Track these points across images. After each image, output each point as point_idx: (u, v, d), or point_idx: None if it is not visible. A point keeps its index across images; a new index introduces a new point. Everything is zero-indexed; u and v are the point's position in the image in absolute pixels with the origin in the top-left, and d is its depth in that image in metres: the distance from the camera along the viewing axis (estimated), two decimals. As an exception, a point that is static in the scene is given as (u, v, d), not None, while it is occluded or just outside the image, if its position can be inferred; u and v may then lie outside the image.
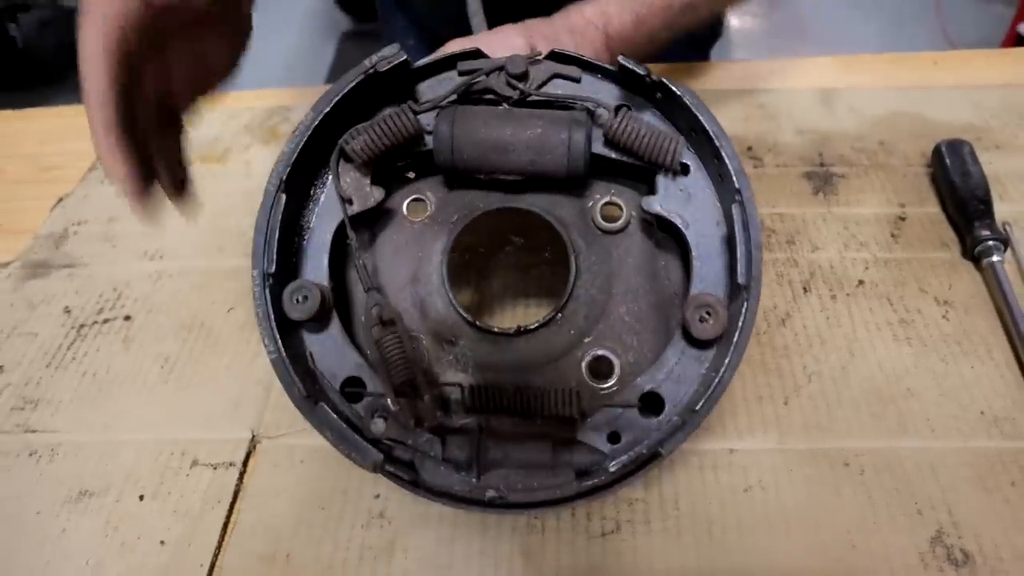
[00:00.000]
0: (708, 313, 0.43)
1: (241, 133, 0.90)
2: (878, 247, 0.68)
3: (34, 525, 0.54)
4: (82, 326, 0.67)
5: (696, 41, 1.06)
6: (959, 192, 0.68)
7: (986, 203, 0.66)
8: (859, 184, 0.74)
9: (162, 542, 0.52)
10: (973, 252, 0.65)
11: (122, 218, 0.79)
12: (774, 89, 0.88)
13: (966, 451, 0.53)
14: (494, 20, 0.58)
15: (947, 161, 0.71)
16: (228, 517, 0.53)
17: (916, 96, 0.85)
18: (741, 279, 0.43)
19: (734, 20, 3.08)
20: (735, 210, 0.44)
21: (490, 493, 0.47)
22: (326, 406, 0.44)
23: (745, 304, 0.43)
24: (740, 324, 0.42)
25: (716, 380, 0.42)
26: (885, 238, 0.69)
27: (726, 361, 0.42)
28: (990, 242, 0.63)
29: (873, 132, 0.80)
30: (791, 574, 0.47)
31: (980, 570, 0.47)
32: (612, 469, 0.42)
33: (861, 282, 0.65)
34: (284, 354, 0.44)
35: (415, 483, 0.45)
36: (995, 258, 0.63)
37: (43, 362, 0.65)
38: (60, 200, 0.82)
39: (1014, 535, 0.48)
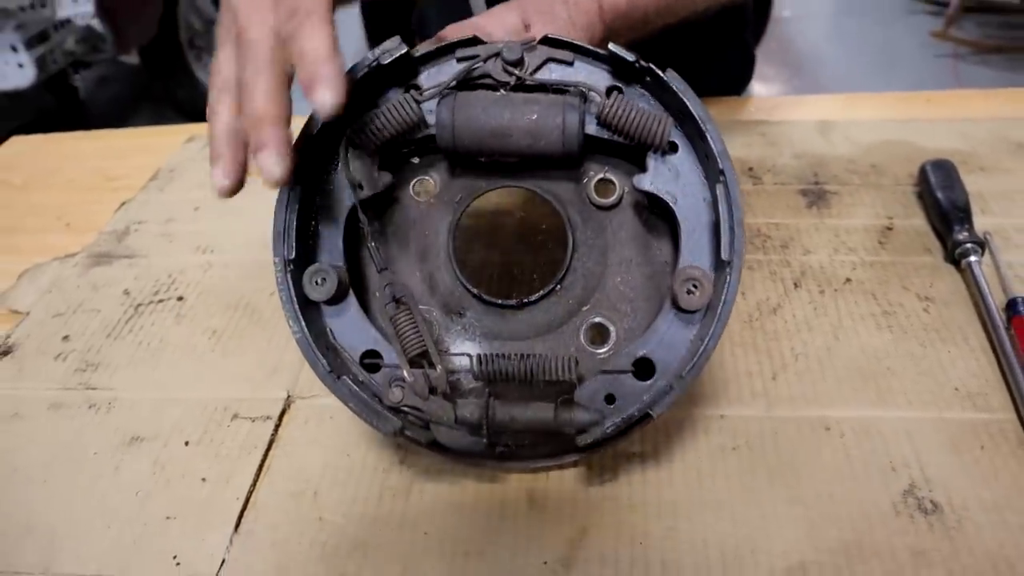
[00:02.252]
0: (695, 286, 0.47)
1: (287, 152, 0.99)
2: (865, 252, 0.73)
3: (91, 463, 0.60)
4: (139, 305, 0.75)
5: (731, 81, 1.14)
6: (941, 203, 0.74)
7: (966, 212, 0.72)
8: (850, 200, 0.80)
9: (203, 479, 0.58)
10: (954, 255, 0.70)
11: (178, 219, 0.88)
12: (777, 121, 0.95)
13: (940, 420, 0.57)
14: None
15: (931, 177, 0.77)
16: (263, 461, 0.59)
17: (908, 127, 0.92)
18: (724, 255, 0.47)
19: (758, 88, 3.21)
20: (719, 190, 0.48)
21: (500, 449, 0.53)
22: (348, 379, 0.49)
23: (728, 277, 0.47)
24: (724, 296, 0.47)
25: (701, 348, 0.47)
26: (873, 244, 0.74)
27: (711, 331, 0.47)
28: (968, 244, 0.69)
29: (865, 156, 0.87)
30: (772, 516, 0.52)
31: (948, 518, 0.51)
32: (608, 429, 0.47)
33: (848, 280, 0.70)
34: (307, 333, 0.49)
35: (431, 445, 0.50)
36: (973, 258, 0.68)
37: (104, 333, 0.72)
38: (123, 204, 0.91)
39: (980, 490, 0.52)
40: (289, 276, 0.49)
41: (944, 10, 3.90)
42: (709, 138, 0.48)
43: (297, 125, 0.52)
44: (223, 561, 0.52)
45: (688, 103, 0.49)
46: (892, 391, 0.60)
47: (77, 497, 0.57)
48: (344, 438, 0.60)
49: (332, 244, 0.52)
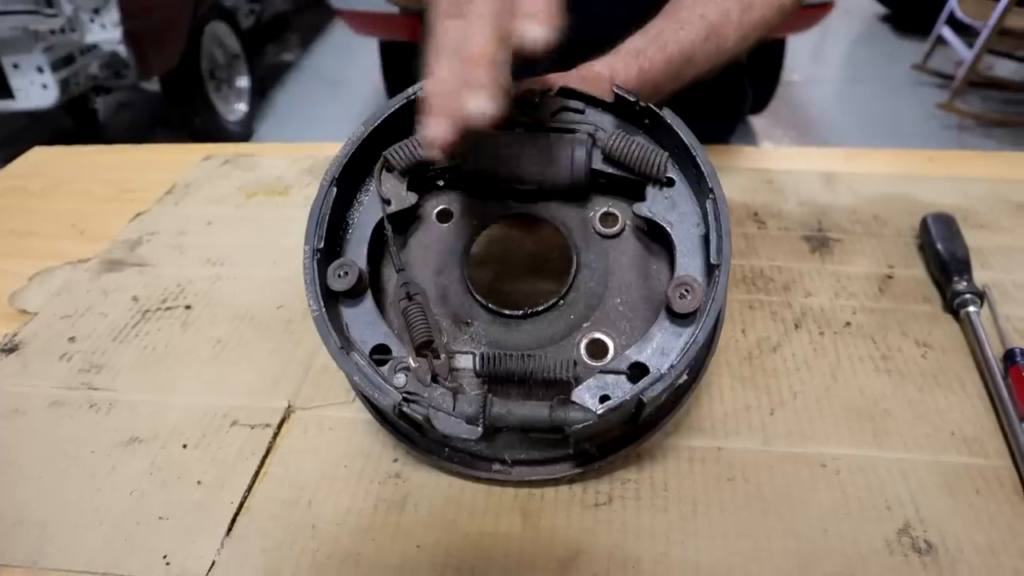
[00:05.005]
0: (687, 290, 0.50)
1: (303, 174, 1.01)
2: (866, 297, 0.74)
3: (89, 460, 0.60)
4: (146, 311, 0.76)
5: (722, 126, 1.18)
6: (942, 254, 0.75)
7: (965, 263, 0.73)
8: (852, 248, 0.82)
9: (199, 482, 0.58)
10: (953, 305, 0.71)
11: (190, 232, 0.89)
12: (783, 170, 0.98)
13: (935, 463, 0.57)
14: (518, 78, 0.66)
15: (932, 229, 0.79)
16: (259, 468, 0.59)
17: (910, 182, 0.94)
18: (714, 259, 0.50)
19: (767, 145, 3.26)
20: (709, 205, 0.52)
21: (496, 467, 0.55)
22: (356, 355, 0.52)
23: (717, 280, 0.50)
24: (712, 295, 0.50)
25: (691, 340, 0.49)
26: (873, 291, 0.75)
27: (700, 325, 0.49)
28: (967, 295, 0.70)
29: (868, 207, 0.89)
30: (766, 547, 0.52)
31: (942, 559, 0.50)
32: (599, 413, 0.47)
33: (848, 323, 0.71)
34: (325, 312, 0.52)
35: (427, 423, 0.50)
36: (972, 309, 0.69)
37: (110, 336, 0.73)
38: (138, 215, 0.93)
39: (975, 532, 0.52)
40: (316, 263, 0.53)
41: (950, 83, 3.99)
42: (700, 162, 0.53)
43: (332, 150, 0.56)
44: (213, 563, 0.52)
45: (680, 133, 0.54)
46: (889, 432, 0.60)
47: (71, 493, 0.57)
48: (342, 449, 0.60)
49: (358, 247, 0.57)
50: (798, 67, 4.61)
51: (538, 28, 0.44)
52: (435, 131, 0.46)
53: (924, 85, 4.31)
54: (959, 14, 3.86)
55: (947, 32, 4.07)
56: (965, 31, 3.92)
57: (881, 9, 5.54)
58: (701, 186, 0.53)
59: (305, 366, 0.68)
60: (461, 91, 0.45)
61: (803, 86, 4.48)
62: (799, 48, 4.50)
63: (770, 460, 0.58)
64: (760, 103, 3.81)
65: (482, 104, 0.45)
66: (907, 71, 4.47)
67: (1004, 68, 4.30)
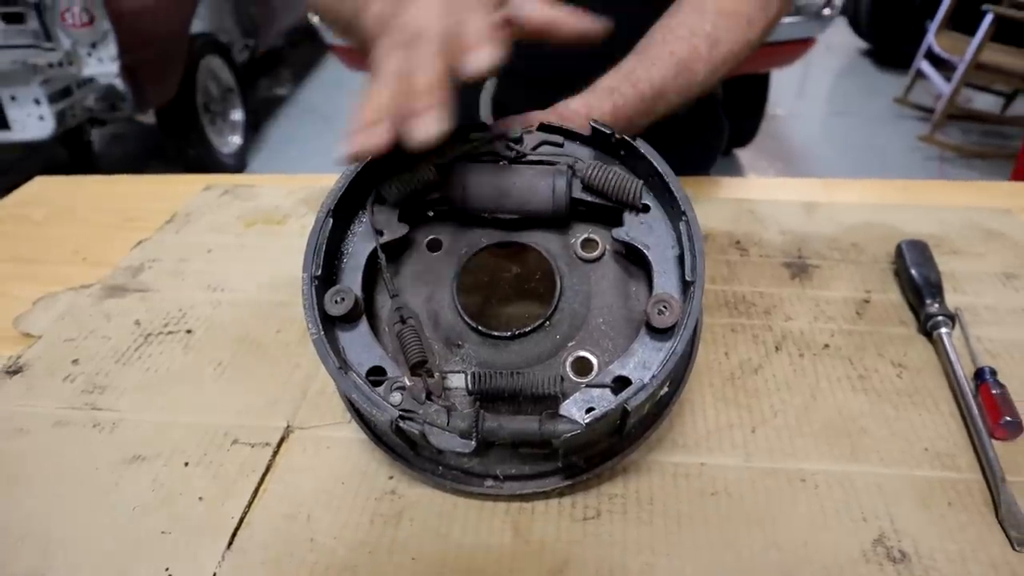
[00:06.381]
0: (665, 307, 0.53)
1: (299, 204, 1.04)
2: (844, 321, 0.78)
3: (92, 477, 0.62)
4: (149, 335, 0.78)
5: (700, 157, 1.22)
6: (915, 278, 0.78)
7: (938, 287, 0.77)
8: (831, 273, 0.85)
9: (200, 498, 0.60)
10: (926, 327, 0.74)
11: (191, 259, 0.92)
12: (765, 200, 1.01)
13: (910, 477, 0.60)
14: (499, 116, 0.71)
15: (907, 255, 0.82)
16: (259, 484, 0.61)
17: (887, 211, 0.98)
18: (688, 276, 0.54)
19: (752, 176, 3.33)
20: (683, 227, 0.56)
21: (489, 483, 0.57)
22: (354, 374, 0.54)
23: (692, 296, 0.53)
24: (688, 309, 0.53)
25: (671, 352, 0.52)
26: (851, 315, 0.78)
27: (678, 338, 0.53)
28: (940, 317, 0.73)
29: (847, 236, 0.92)
30: (748, 558, 0.54)
31: (915, 568, 0.53)
32: (587, 422, 0.50)
33: (827, 346, 0.74)
34: (323, 335, 0.54)
35: (423, 439, 0.52)
36: (944, 330, 0.72)
37: (113, 359, 0.75)
38: (139, 243, 0.96)
39: (947, 543, 0.54)
40: (314, 290, 0.55)
41: (930, 116, 4.09)
42: (673, 188, 0.57)
43: (328, 181, 0.58)
44: (214, 574, 0.53)
45: (653, 162, 0.58)
46: (865, 449, 0.63)
47: (75, 508, 0.59)
48: (339, 467, 0.62)
49: (353, 274, 0.59)
50: (782, 101, 4.72)
51: (484, 57, 0.49)
52: (365, 139, 0.51)
53: (905, 118, 4.41)
54: (937, 49, 3.98)
55: (926, 66, 4.18)
56: (943, 65, 4.04)
57: (863, 44, 5.69)
58: (675, 210, 0.57)
59: (303, 389, 0.70)
60: (404, 115, 0.50)
61: (787, 120, 4.58)
62: (783, 83, 4.61)
63: (752, 475, 0.60)
64: (746, 136, 3.90)
65: (427, 130, 0.49)
66: (889, 104, 4.58)
67: (983, 101, 4.41)
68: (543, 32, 0.63)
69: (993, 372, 0.67)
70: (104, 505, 0.59)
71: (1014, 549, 0.54)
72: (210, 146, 3.83)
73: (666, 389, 0.53)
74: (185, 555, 0.55)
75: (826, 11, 3.24)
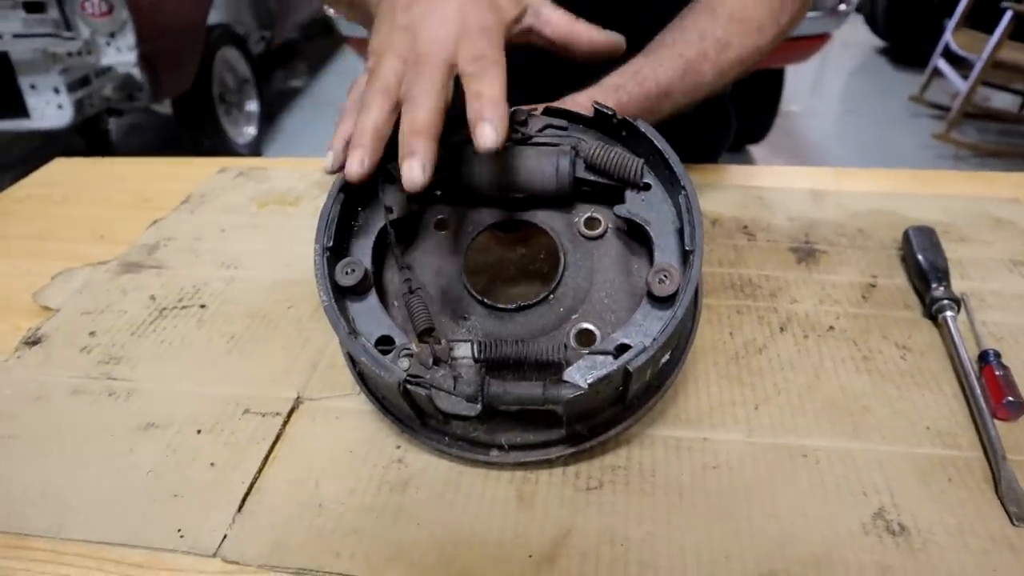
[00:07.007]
0: (665, 276, 0.55)
1: (312, 187, 1.06)
2: (849, 304, 0.78)
3: (107, 442, 0.63)
4: (163, 309, 0.80)
5: (705, 149, 1.22)
6: (922, 263, 0.79)
7: (944, 272, 0.77)
8: (838, 259, 0.86)
9: (212, 464, 0.61)
10: (931, 310, 0.74)
11: (205, 238, 0.93)
12: (774, 187, 1.02)
13: (910, 455, 0.60)
14: None
15: (913, 240, 0.82)
16: (269, 452, 0.62)
17: (895, 199, 0.98)
18: (688, 246, 0.55)
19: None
20: (681, 200, 0.57)
21: (494, 452, 0.58)
22: (363, 339, 0.56)
23: (692, 265, 0.55)
24: (689, 276, 0.54)
25: (672, 317, 0.53)
26: (857, 298, 0.79)
27: (679, 303, 0.54)
28: (945, 300, 0.73)
29: (854, 222, 0.93)
30: (748, 529, 0.55)
31: (914, 540, 0.53)
32: (589, 383, 0.51)
33: (831, 328, 0.75)
34: (334, 303, 0.56)
35: (429, 404, 0.54)
36: (949, 314, 0.73)
37: (128, 331, 0.77)
38: (155, 222, 0.97)
39: (946, 517, 0.55)
40: (325, 260, 0.57)
41: (946, 114, 4.06)
42: (672, 164, 0.58)
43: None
44: (224, 536, 0.55)
45: (654, 140, 0.59)
46: (867, 427, 0.63)
47: (91, 472, 0.61)
48: (347, 437, 0.63)
49: (364, 248, 0.61)
50: (797, 98, 4.70)
51: (491, 134, 0.51)
52: (356, 166, 0.53)
53: (921, 116, 4.38)
54: (954, 47, 3.94)
55: (943, 64, 4.15)
56: (960, 64, 4.01)
57: (879, 42, 5.65)
58: (674, 187, 0.58)
59: (313, 362, 0.71)
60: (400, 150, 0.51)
61: (802, 116, 4.56)
62: (798, 79, 4.59)
63: (753, 450, 0.61)
64: (760, 132, 3.88)
65: (416, 171, 0.51)
66: (904, 102, 4.55)
67: (1001, 100, 4.37)
68: (563, 45, 0.65)
69: (997, 354, 0.67)
70: (119, 469, 0.61)
71: (1013, 524, 0.54)
72: (225, 136, 3.86)
73: (667, 357, 0.54)
74: (197, 517, 0.57)
75: (842, 7, 3.23)
